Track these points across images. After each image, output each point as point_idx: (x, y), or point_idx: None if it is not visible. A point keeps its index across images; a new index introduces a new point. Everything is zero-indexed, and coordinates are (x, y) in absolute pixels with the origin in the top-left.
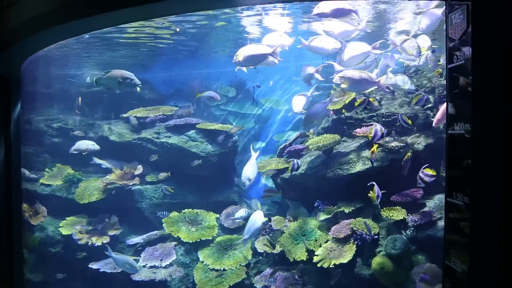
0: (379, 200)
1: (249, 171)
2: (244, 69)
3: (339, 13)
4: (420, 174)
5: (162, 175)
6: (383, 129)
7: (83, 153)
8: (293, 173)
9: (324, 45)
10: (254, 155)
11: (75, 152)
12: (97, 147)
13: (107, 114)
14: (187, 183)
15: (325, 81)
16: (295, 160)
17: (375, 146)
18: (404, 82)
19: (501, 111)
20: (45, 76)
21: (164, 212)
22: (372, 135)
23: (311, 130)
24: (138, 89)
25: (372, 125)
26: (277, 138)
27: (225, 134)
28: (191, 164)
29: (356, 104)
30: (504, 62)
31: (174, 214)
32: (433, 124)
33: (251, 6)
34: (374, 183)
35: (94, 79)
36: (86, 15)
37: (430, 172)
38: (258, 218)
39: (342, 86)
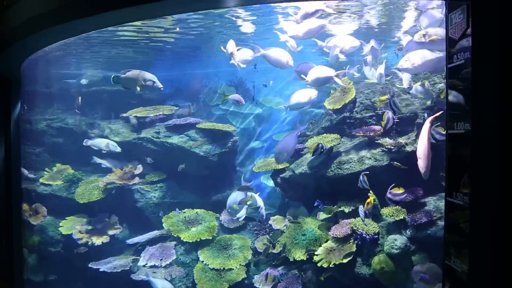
0: (364, 183)
1: (235, 200)
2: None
3: (308, 15)
4: (388, 195)
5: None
6: (395, 117)
7: (103, 151)
8: (316, 154)
9: (342, 45)
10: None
11: (93, 147)
12: (118, 149)
13: (107, 113)
14: (187, 182)
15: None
16: (320, 144)
17: (371, 198)
18: (417, 91)
19: (501, 111)
20: (45, 76)
21: (177, 209)
22: (385, 122)
23: (312, 121)
24: (138, 88)
25: (384, 112)
26: (277, 138)
27: (214, 146)
28: (178, 169)
29: (382, 99)
30: (504, 62)
31: (174, 213)
32: (423, 177)
33: (251, 6)
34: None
35: (112, 77)
36: (86, 15)
37: (398, 190)
38: (257, 197)
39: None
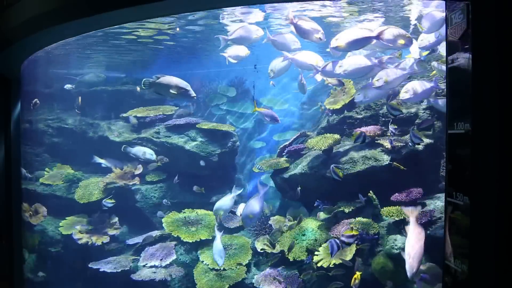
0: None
1: (219, 250)
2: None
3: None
4: (342, 237)
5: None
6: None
7: (140, 159)
8: (358, 142)
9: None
10: (218, 235)
11: (131, 155)
12: (154, 157)
13: (107, 113)
14: (187, 182)
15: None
16: (363, 133)
17: (358, 274)
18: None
19: (501, 111)
20: (45, 76)
21: (165, 200)
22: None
23: (320, 103)
24: (138, 88)
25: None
26: (277, 138)
27: (205, 159)
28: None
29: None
30: (504, 62)
31: (174, 213)
32: (409, 278)
33: (253, 6)
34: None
35: (143, 80)
36: (86, 14)
37: (350, 233)
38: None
39: None
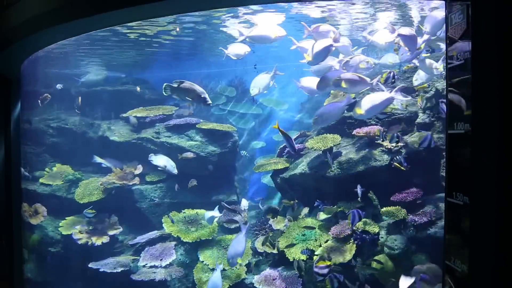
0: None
1: (216, 286)
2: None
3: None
4: (315, 269)
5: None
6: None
7: (159, 168)
8: (423, 146)
9: (379, 40)
10: (218, 269)
11: (153, 163)
12: (175, 171)
13: (107, 113)
14: (187, 182)
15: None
16: (429, 134)
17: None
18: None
19: (501, 111)
20: (45, 76)
21: (154, 196)
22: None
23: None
24: (138, 88)
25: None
26: (277, 138)
27: (205, 159)
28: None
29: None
30: (504, 62)
31: (174, 214)
32: None
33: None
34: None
35: (164, 85)
36: (86, 14)
37: (324, 263)
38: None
39: None
